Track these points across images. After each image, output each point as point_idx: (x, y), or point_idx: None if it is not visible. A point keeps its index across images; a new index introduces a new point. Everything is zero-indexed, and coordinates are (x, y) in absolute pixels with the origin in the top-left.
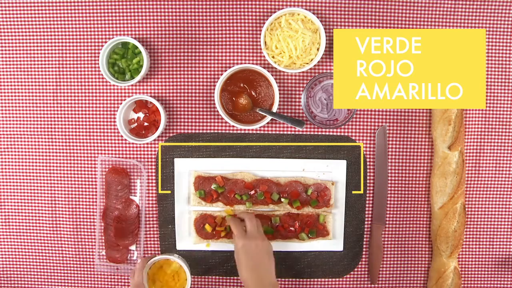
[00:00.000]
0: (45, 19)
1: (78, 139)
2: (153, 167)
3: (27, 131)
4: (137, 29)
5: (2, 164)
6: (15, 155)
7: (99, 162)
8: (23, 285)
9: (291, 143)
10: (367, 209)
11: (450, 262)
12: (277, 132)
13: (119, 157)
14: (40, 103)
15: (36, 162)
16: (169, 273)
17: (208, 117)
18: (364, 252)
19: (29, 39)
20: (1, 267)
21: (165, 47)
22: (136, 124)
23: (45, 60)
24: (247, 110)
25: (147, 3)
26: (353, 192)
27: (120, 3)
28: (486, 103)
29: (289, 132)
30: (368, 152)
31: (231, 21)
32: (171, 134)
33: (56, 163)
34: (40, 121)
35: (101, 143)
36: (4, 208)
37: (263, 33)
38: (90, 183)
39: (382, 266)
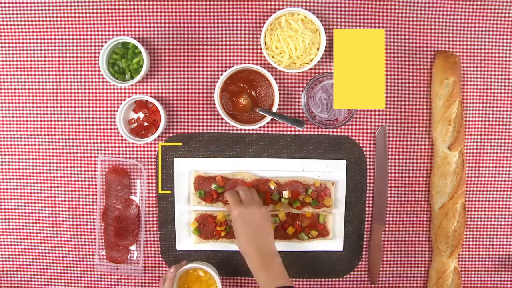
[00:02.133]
0: (45, 19)
1: (78, 139)
2: (153, 167)
3: (27, 131)
4: (137, 29)
5: (2, 164)
6: (15, 155)
7: (99, 162)
8: (23, 285)
9: (291, 143)
10: (367, 209)
11: (450, 262)
12: (277, 132)
13: (119, 157)
14: (40, 103)
15: (36, 162)
16: (197, 280)
17: (208, 117)
18: (364, 252)
19: (29, 39)
20: (1, 267)
21: (165, 47)
22: (136, 124)
23: (45, 60)
24: (247, 110)
25: (147, 3)
26: (353, 192)
27: (120, 3)
28: (486, 103)
29: (289, 132)
30: (368, 152)
31: (231, 21)
32: (171, 134)
33: (56, 163)
34: (40, 121)
35: (101, 143)
36: (4, 208)
37: (263, 33)
38: (90, 183)
39: (382, 266)
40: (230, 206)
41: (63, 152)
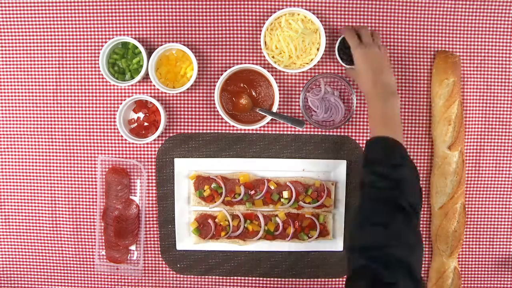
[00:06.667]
0: (45, 19)
1: (78, 139)
2: (153, 167)
3: (27, 131)
4: (137, 29)
5: (2, 164)
6: (15, 155)
7: (99, 162)
8: (23, 285)
9: (291, 143)
10: None
11: (450, 262)
12: (277, 132)
13: (119, 157)
14: (40, 103)
15: (36, 162)
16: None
17: (208, 117)
18: None
19: (29, 39)
20: (1, 267)
21: None
22: (136, 124)
23: (45, 60)
24: (247, 110)
25: (147, 3)
26: (353, 192)
27: (120, 3)
28: (486, 103)
29: (289, 132)
30: None
31: (231, 21)
32: (171, 134)
33: (56, 163)
34: (40, 121)
35: (101, 143)
36: (4, 208)
37: (263, 33)
38: (90, 183)
39: None
40: (352, 47)
41: (63, 152)
